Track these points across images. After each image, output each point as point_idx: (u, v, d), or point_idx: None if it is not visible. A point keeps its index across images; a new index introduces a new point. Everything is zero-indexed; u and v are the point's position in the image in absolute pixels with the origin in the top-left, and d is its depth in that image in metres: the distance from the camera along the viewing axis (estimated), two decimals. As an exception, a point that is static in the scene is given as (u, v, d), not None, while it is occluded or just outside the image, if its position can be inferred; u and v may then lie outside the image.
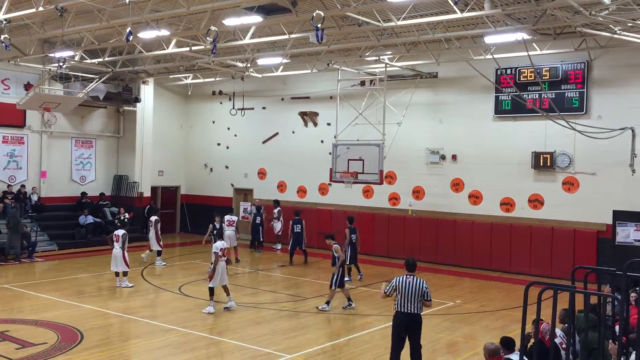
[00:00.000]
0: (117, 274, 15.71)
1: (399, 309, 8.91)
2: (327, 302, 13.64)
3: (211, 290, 13.36)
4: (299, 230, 19.83)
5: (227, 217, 20.50)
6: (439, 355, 10.82)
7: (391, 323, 9.15)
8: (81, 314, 12.93)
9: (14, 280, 16.59)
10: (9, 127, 22.11)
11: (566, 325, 7.92)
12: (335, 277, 13.44)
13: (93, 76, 22.21)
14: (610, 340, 6.87)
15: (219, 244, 13.52)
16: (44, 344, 10.70)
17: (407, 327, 8.91)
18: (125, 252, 15.63)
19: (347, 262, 16.20)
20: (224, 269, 13.55)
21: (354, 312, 13.67)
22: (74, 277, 17.15)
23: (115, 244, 15.64)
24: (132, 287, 15.57)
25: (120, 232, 15.84)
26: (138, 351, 10.84)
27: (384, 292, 9.11)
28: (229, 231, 20.00)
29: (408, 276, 8.99)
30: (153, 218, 19.45)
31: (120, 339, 11.58)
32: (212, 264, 13.41)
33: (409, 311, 8.85)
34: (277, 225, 22.61)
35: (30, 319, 12.37)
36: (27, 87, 22.28)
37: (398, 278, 8.99)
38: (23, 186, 22.29)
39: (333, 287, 13.48)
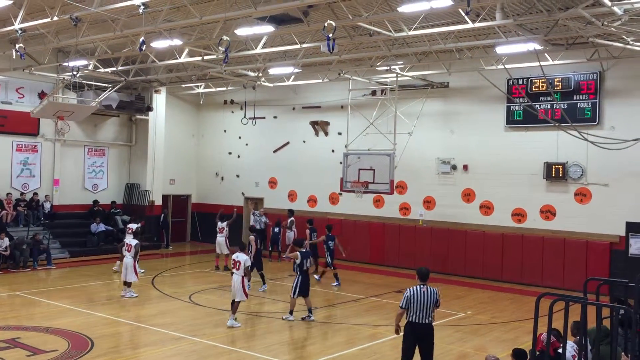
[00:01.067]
0: (125, 283, 15.60)
1: (412, 320, 8.75)
2: (290, 312, 13.53)
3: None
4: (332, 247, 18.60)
5: (218, 225, 20.41)
6: (450, 367, 10.73)
7: (402, 334, 9.07)
8: (92, 322, 12.97)
9: (25, 287, 16.69)
10: (23, 135, 22.34)
11: (577, 338, 7.85)
12: (294, 284, 13.46)
13: (106, 85, 22.42)
14: (623, 353, 6.80)
15: (245, 258, 13.09)
16: (54, 351, 10.74)
17: (419, 338, 8.79)
18: (137, 262, 15.50)
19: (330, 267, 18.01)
20: (234, 283, 12.99)
21: (363, 322, 13.61)
22: (85, 285, 17.22)
23: (127, 253, 15.53)
24: (136, 297, 15.40)
25: (133, 241, 15.67)
26: (148, 359, 10.85)
27: (400, 307, 8.91)
28: (219, 238, 20.03)
29: (422, 286, 8.83)
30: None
31: (131, 347, 11.60)
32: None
33: (422, 322, 8.72)
34: (290, 235, 22.55)
35: (41, 326, 12.42)
36: (41, 95, 22.52)
37: (411, 289, 8.82)
38: (36, 194, 22.48)
39: (293, 296, 13.44)
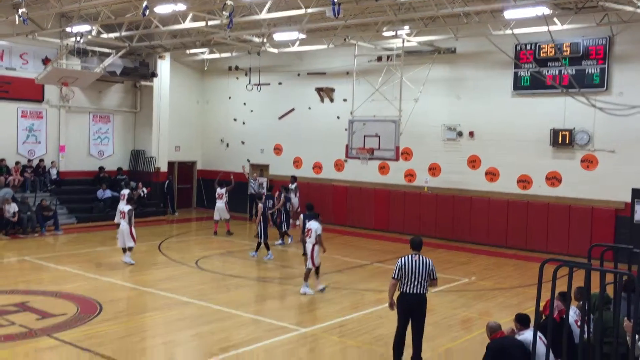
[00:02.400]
0: (124, 250, 15.47)
1: (405, 290, 8.53)
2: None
3: (316, 269, 13.03)
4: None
5: (217, 191, 20.42)
6: (454, 331, 10.87)
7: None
8: (100, 287, 13.14)
9: (33, 252, 16.87)
10: (27, 102, 22.32)
11: (581, 302, 7.91)
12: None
13: (110, 51, 22.27)
14: (626, 318, 6.85)
15: (317, 226, 12.95)
16: (63, 314, 10.92)
17: (412, 308, 8.56)
18: (132, 227, 15.30)
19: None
20: (307, 251, 13.04)
21: (368, 287, 13.74)
22: (93, 250, 17.40)
23: (121, 220, 15.45)
24: (133, 264, 15.20)
25: (126, 208, 15.58)
26: (156, 323, 11.02)
27: (392, 277, 8.65)
28: (219, 204, 20.13)
29: (414, 255, 8.61)
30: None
31: (138, 311, 11.77)
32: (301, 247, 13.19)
33: (415, 292, 8.49)
34: (295, 202, 22.59)
35: (50, 291, 12.60)
36: (45, 61, 22.40)
37: (403, 259, 8.59)
38: (42, 160, 22.56)
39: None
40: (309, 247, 12.93)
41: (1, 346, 9.22)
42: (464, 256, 17.98)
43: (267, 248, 16.58)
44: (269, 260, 16.40)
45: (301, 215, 14.79)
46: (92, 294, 12.35)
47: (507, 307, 12.38)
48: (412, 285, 8.49)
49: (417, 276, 8.49)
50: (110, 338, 9.81)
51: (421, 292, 8.53)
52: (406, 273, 8.49)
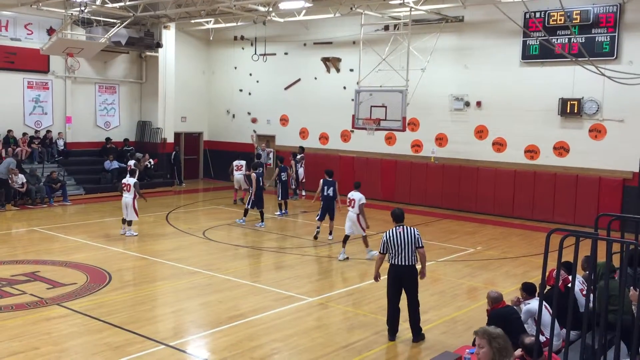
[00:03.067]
0: (124, 221, 15.47)
1: (394, 262, 8.64)
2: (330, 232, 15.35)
3: (364, 238, 13.56)
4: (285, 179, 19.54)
5: (235, 163, 20.57)
6: (460, 301, 10.95)
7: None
8: (109, 256, 13.28)
9: (43, 223, 17.02)
10: (33, 72, 22.26)
11: (587, 272, 7.94)
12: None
13: (115, 21, 22.11)
14: (632, 287, 6.87)
15: (357, 194, 13.45)
16: (73, 284, 11.06)
17: (402, 280, 8.66)
18: (136, 201, 15.25)
19: (279, 198, 19.21)
20: (351, 220, 13.50)
21: (374, 257, 13.81)
22: (101, 221, 17.53)
23: (126, 193, 15.28)
24: (136, 235, 15.29)
25: (131, 180, 15.39)
26: (165, 292, 11.15)
27: (379, 252, 8.87)
28: (238, 175, 20.31)
29: (397, 227, 8.75)
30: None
31: (147, 280, 11.90)
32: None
33: (403, 263, 8.60)
34: (301, 172, 22.68)
35: (60, 260, 12.75)
36: (50, 32, 22.28)
37: (388, 232, 8.73)
38: (49, 131, 22.60)
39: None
40: (353, 216, 13.40)
41: (12, 315, 9.37)
42: (470, 226, 18.02)
43: (262, 217, 17.13)
44: (260, 227, 16.88)
45: (320, 181, 15.25)
46: (101, 264, 12.49)
47: (512, 276, 12.45)
48: (400, 256, 8.60)
49: (404, 247, 8.60)
50: (120, 307, 9.95)
51: (410, 262, 8.63)
52: (393, 246, 8.63)
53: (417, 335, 8.76)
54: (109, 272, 11.90)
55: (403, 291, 8.77)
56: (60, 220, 17.95)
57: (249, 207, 17.10)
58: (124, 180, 15.72)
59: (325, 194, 15.05)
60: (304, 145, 23.69)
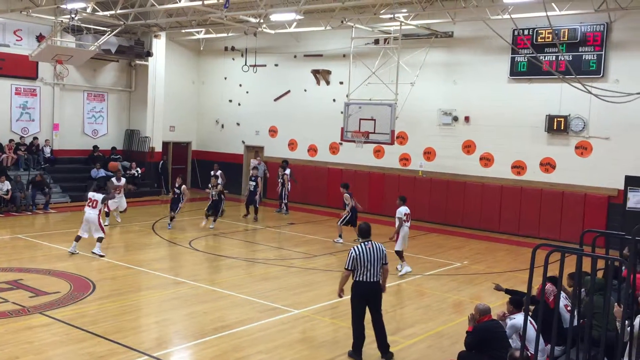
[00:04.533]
0: (77, 238, 13.99)
1: (360, 279, 8.36)
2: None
3: (399, 253, 13.58)
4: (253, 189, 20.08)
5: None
6: (445, 315, 10.95)
7: (362, 291, 8.57)
8: (93, 265, 13.16)
9: (27, 230, 16.85)
10: (21, 79, 22.15)
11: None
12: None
13: (105, 29, 22.06)
14: (617, 303, 6.91)
15: (402, 210, 13.67)
16: (56, 292, 10.94)
17: (368, 296, 8.44)
18: (100, 217, 14.03)
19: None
20: (407, 235, 13.81)
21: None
22: (86, 229, 17.33)
23: (90, 209, 13.84)
24: (104, 256, 13.86)
25: (98, 196, 13.95)
26: (149, 302, 11.06)
27: (345, 268, 8.48)
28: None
29: (366, 243, 8.47)
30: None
31: (132, 290, 11.79)
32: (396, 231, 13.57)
33: (372, 280, 8.36)
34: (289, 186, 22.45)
35: (44, 269, 12.61)
36: (40, 38, 22.19)
37: (356, 248, 8.41)
38: (36, 138, 22.45)
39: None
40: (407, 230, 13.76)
41: (-6, 323, 9.24)
42: (457, 240, 18.07)
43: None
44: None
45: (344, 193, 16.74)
46: (85, 273, 12.37)
47: (498, 291, 12.43)
48: (369, 273, 8.37)
49: (373, 263, 8.37)
50: (103, 316, 9.84)
51: (377, 279, 8.44)
52: (361, 262, 8.35)
53: (387, 351, 8.57)
54: (93, 281, 11.79)
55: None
56: (44, 228, 17.78)
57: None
58: (90, 194, 14.13)
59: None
60: (293, 157, 23.72)
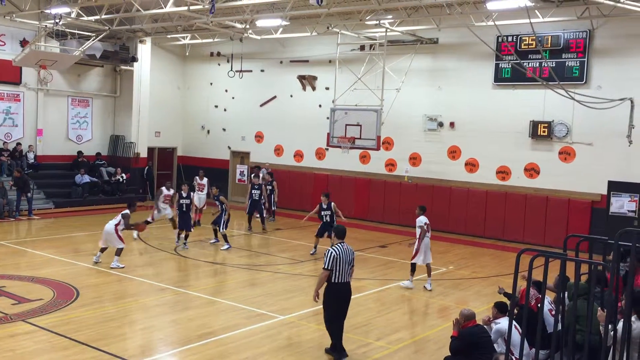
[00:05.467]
0: (103, 249, 13.89)
1: (336, 280, 8.39)
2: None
3: (413, 266, 12.85)
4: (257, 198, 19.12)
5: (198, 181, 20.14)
6: (431, 320, 10.98)
7: (344, 292, 8.66)
8: (77, 272, 13.04)
9: (10, 237, 16.67)
10: (5, 84, 21.94)
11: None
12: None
13: (90, 34, 21.95)
14: (599, 308, 6.97)
15: (422, 219, 12.87)
16: (39, 300, 10.83)
17: (345, 298, 8.55)
18: (119, 228, 13.73)
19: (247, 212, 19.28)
20: (429, 246, 12.93)
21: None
22: (70, 236, 17.24)
23: (111, 220, 13.84)
24: (123, 267, 13.56)
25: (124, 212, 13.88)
26: (133, 309, 10.97)
27: (324, 268, 8.43)
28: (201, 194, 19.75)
29: (342, 244, 8.52)
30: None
31: (116, 296, 11.69)
32: (418, 239, 12.79)
33: (347, 280, 8.50)
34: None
35: (27, 276, 12.48)
36: (23, 43, 22.01)
37: (336, 249, 8.43)
38: (19, 144, 22.23)
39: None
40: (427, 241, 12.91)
41: (-24, 331, 9.12)
42: (442, 246, 18.11)
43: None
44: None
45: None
46: (68, 280, 12.25)
47: (483, 296, 12.53)
48: (342, 274, 8.47)
49: (347, 265, 8.51)
50: (87, 324, 9.75)
51: (349, 280, 8.59)
52: (338, 263, 8.40)
53: (343, 352, 8.69)
54: (77, 288, 11.68)
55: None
56: (28, 235, 17.60)
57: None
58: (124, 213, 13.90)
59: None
60: (279, 162, 23.78)
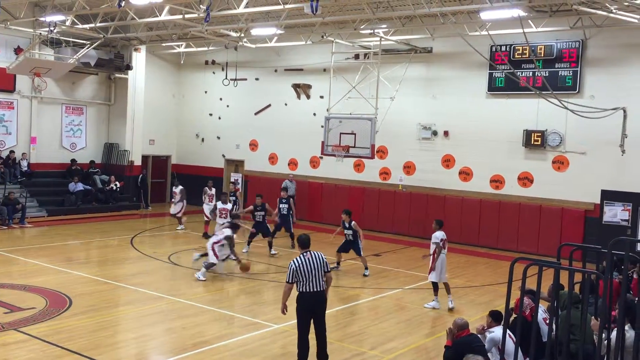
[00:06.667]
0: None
1: (304, 290, 8.30)
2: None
3: (435, 285, 12.18)
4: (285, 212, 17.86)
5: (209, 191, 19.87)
6: (425, 329, 10.97)
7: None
8: (70, 280, 12.98)
9: (2, 245, 16.57)
10: (-2, 92, 21.91)
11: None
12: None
13: (84, 42, 21.94)
14: (593, 317, 6.99)
15: (439, 234, 12.19)
16: (32, 308, 10.76)
17: (314, 307, 8.39)
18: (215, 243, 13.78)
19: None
20: (444, 263, 12.22)
21: (341, 285, 13.79)
22: (63, 244, 17.16)
23: (213, 237, 14.19)
24: (204, 280, 13.45)
25: (227, 231, 14.00)
26: (127, 318, 10.92)
27: (286, 282, 8.37)
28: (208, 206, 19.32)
29: (305, 254, 8.43)
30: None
31: (109, 305, 11.63)
32: (431, 255, 12.14)
33: (316, 289, 8.32)
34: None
35: (19, 284, 12.40)
36: (18, 51, 21.98)
37: (296, 260, 8.35)
38: (12, 152, 22.15)
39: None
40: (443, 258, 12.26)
41: (-33, 340, 9.05)
42: (437, 254, 18.10)
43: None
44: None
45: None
46: (61, 288, 12.18)
47: (477, 304, 12.54)
48: (312, 283, 8.31)
49: (315, 273, 8.32)
50: (80, 333, 9.69)
51: (321, 288, 8.42)
52: (302, 274, 8.29)
53: None
54: (70, 297, 11.62)
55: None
56: (20, 243, 17.51)
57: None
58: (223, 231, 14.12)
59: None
60: (273, 170, 23.83)
